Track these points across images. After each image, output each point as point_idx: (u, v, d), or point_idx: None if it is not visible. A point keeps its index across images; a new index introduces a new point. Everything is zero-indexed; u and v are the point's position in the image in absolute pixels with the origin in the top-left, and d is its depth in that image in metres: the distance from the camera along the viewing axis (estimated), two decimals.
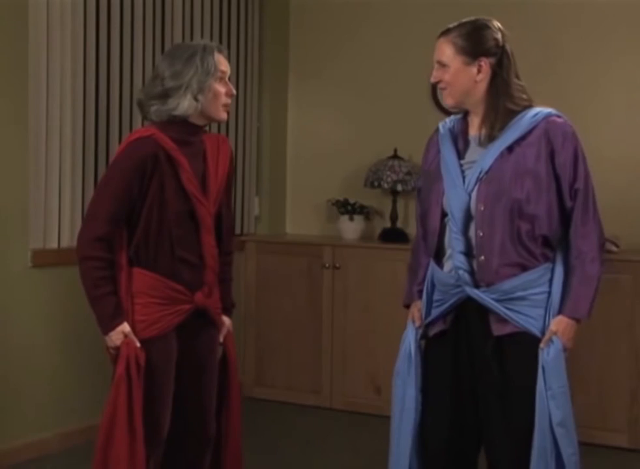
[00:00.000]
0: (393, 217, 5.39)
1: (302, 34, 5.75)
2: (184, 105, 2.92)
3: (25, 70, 4.20)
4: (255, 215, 5.71)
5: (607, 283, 4.58)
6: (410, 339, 2.97)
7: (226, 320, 3.19)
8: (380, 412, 4.89)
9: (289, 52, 5.79)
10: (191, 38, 5.07)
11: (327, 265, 5.25)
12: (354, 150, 5.60)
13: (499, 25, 2.90)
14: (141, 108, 3.02)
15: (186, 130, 2.98)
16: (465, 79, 2.83)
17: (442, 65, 2.85)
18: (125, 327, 2.91)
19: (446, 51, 2.84)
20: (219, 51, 2.98)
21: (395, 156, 5.35)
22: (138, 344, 2.91)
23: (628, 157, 4.94)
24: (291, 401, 5.34)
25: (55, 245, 4.37)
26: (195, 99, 2.92)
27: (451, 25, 2.88)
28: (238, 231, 5.54)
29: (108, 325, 2.91)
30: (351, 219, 5.44)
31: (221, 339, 3.17)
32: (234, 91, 3.02)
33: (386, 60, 5.51)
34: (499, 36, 2.86)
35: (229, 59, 3.05)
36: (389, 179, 5.26)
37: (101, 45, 4.55)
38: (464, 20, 2.89)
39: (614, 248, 4.67)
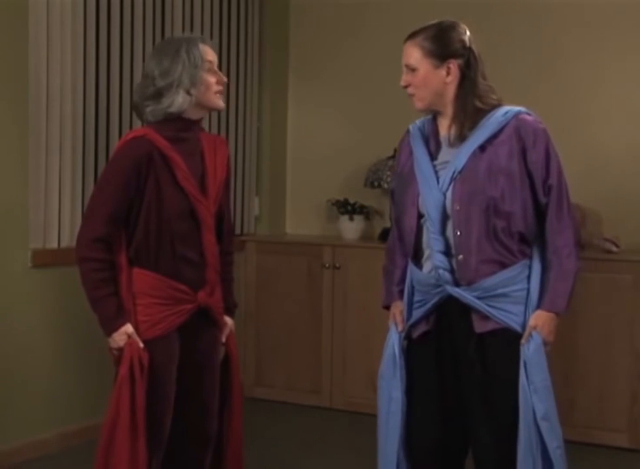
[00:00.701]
0: None
1: (302, 34, 5.75)
2: (179, 101, 2.92)
3: (25, 69, 4.20)
4: (255, 215, 5.71)
5: (607, 282, 4.63)
6: (393, 342, 2.99)
7: (228, 320, 3.19)
8: None
9: (289, 52, 5.79)
10: None
11: (327, 265, 5.25)
12: (354, 150, 5.59)
13: (465, 26, 2.92)
14: (136, 111, 3.02)
15: (180, 127, 2.97)
16: (434, 81, 2.86)
17: (411, 69, 2.88)
18: (128, 328, 2.91)
19: (414, 55, 2.87)
20: (204, 42, 2.98)
21: (395, 156, 5.34)
22: (141, 345, 2.91)
23: (628, 157, 4.94)
24: (291, 401, 5.34)
25: (55, 245, 4.37)
26: (189, 93, 2.92)
27: (417, 29, 2.90)
28: (238, 231, 5.54)
29: (111, 326, 2.91)
30: (351, 219, 5.44)
31: (223, 339, 3.17)
32: (225, 78, 3.02)
33: (386, 60, 5.50)
34: (465, 37, 2.89)
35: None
36: (389, 179, 5.26)
37: (101, 45, 4.55)
38: (429, 23, 2.92)
39: (614, 248, 4.68)
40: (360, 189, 5.47)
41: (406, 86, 2.92)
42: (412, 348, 2.99)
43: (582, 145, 4.91)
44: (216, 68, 3.00)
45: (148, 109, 2.96)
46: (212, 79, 2.97)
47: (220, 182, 3.07)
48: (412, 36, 2.90)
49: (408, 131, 3.04)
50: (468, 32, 2.91)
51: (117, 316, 2.90)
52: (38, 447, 4.33)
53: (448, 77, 2.85)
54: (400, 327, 2.99)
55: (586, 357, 4.61)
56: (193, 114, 2.99)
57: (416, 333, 2.95)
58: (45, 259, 4.33)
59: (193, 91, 2.92)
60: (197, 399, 3.08)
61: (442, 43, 2.85)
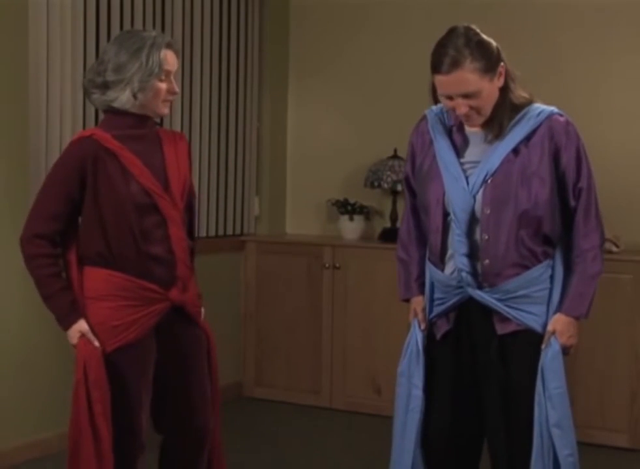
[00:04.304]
0: (393, 217, 5.39)
1: (302, 33, 5.74)
2: (123, 99, 2.88)
3: (25, 69, 4.19)
4: (255, 215, 5.71)
5: (607, 283, 4.60)
6: (417, 339, 2.95)
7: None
8: (380, 412, 4.89)
9: (289, 51, 5.79)
10: (192, 38, 5.08)
11: (327, 265, 5.25)
12: (354, 150, 5.59)
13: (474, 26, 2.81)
14: (85, 93, 2.98)
15: (131, 123, 2.93)
16: (494, 93, 2.78)
17: (468, 96, 2.74)
18: (82, 325, 2.87)
19: (470, 80, 2.72)
20: (169, 47, 2.92)
21: (395, 156, 5.35)
22: (96, 344, 2.86)
23: (628, 158, 4.94)
24: (291, 401, 5.33)
25: None
26: (134, 96, 2.88)
27: (449, 59, 2.70)
28: (238, 231, 5.54)
29: (65, 322, 2.88)
30: (351, 219, 5.44)
31: None
32: (177, 89, 2.97)
33: (386, 60, 5.51)
34: (487, 36, 2.80)
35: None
36: (389, 179, 5.26)
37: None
38: (460, 41, 2.72)
39: (614, 248, 4.67)
40: (360, 189, 5.47)
41: (467, 112, 2.77)
42: (432, 346, 2.96)
43: None
44: (172, 76, 2.94)
45: (93, 97, 2.93)
46: (163, 87, 2.91)
47: (185, 176, 3.01)
48: (454, 66, 2.70)
49: (424, 118, 2.94)
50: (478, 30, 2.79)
51: (70, 311, 2.87)
52: (38, 447, 4.33)
53: (499, 80, 2.78)
54: (423, 326, 2.96)
55: (586, 357, 4.60)
56: (141, 112, 2.94)
57: (439, 334, 2.93)
58: None
59: (139, 95, 2.88)
60: (185, 399, 3.03)
61: (487, 54, 2.75)
